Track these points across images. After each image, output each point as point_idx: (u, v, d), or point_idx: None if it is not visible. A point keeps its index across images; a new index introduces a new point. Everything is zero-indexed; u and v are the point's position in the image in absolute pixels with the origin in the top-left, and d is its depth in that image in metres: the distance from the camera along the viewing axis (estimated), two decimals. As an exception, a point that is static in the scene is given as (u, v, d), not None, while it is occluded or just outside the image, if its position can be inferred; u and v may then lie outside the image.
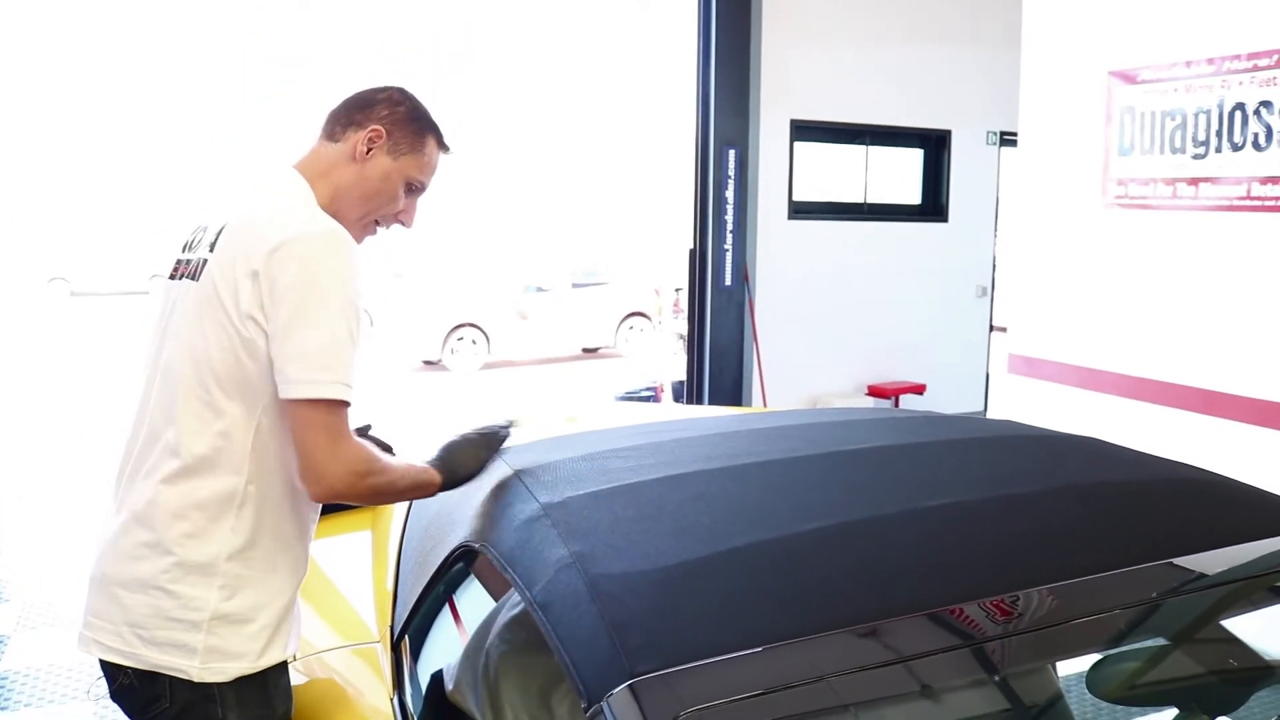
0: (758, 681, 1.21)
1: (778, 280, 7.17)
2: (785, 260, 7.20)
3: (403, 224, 1.90)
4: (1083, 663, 1.69)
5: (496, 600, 1.73)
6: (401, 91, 1.88)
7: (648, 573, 1.39)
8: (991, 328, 8.31)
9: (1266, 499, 1.75)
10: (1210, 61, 3.86)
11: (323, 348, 1.57)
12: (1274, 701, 1.72)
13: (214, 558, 1.63)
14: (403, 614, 1.97)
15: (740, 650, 1.23)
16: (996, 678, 1.56)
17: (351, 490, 1.62)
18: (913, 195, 8.02)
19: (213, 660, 1.63)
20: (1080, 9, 4.49)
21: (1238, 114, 3.78)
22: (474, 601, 1.83)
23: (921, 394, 7.71)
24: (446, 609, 1.91)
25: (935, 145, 7.92)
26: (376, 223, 1.87)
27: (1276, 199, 3.66)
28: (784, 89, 7.03)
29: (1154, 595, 1.46)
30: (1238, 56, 3.76)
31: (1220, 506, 1.72)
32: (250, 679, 1.67)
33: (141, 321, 1.86)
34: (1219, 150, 3.86)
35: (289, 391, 1.58)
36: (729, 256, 6.91)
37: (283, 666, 1.74)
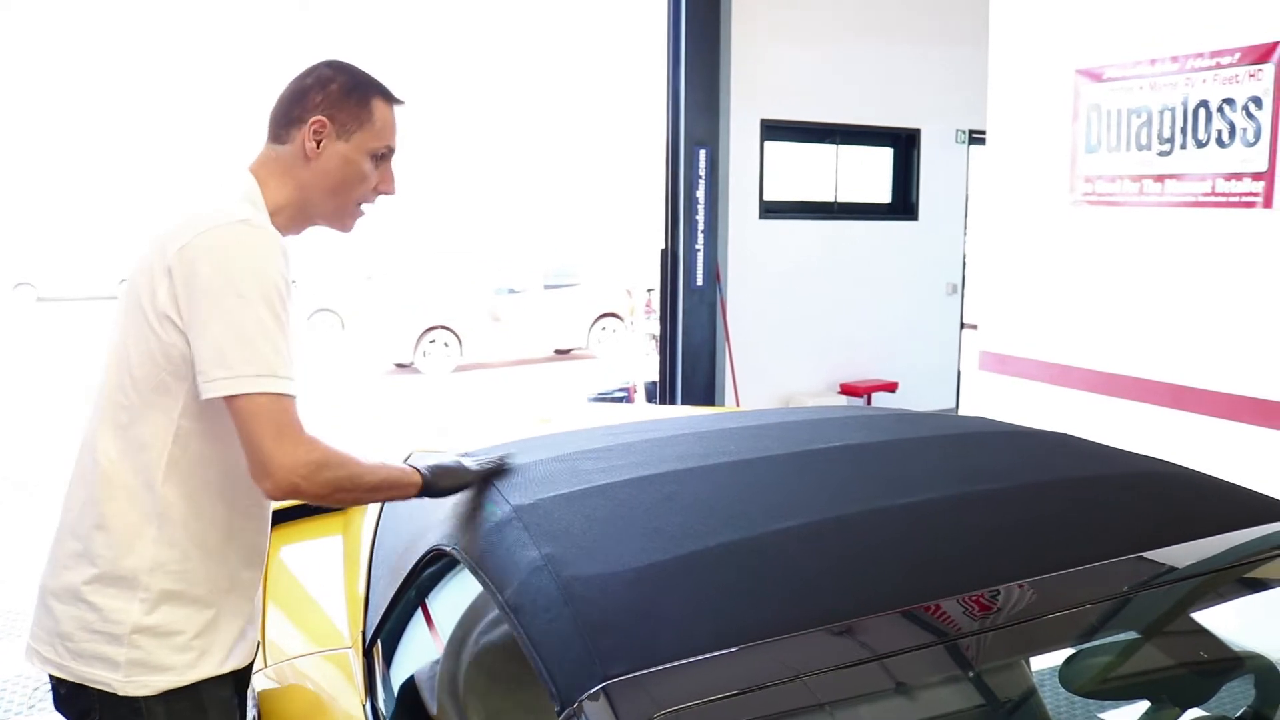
0: (732, 682, 1.20)
1: (749, 280, 7.18)
2: (757, 260, 7.21)
3: (385, 193, 1.84)
4: (1056, 657, 1.69)
5: (469, 604, 1.72)
6: (329, 65, 1.80)
7: (620, 574, 1.38)
8: (962, 325, 8.35)
9: (1234, 492, 1.76)
10: (1174, 59, 3.89)
11: (244, 341, 1.51)
12: (1243, 692, 1.73)
13: (134, 570, 1.59)
14: (375, 619, 1.95)
15: (714, 650, 1.23)
16: (971, 674, 1.56)
17: (309, 484, 1.54)
18: (883, 194, 8.05)
19: (136, 673, 1.59)
20: (1047, 7, 4.52)
21: (1201, 111, 3.82)
22: (446, 605, 1.82)
23: (893, 392, 7.74)
24: (419, 613, 1.90)
25: (905, 144, 7.95)
26: (359, 204, 1.82)
27: (1240, 195, 3.70)
28: (754, 89, 7.04)
29: (1125, 589, 1.47)
30: (1201, 54, 3.80)
31: (1190, 500, 1.73)
32: (181, 692, 1.61)
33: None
34: (1184, 147, 3.89)
35: (213, 390, 1.52)
36: (700, 256, 6.91)
37: (223, 680, 1.67)
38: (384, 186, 1.83)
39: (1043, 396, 4.51)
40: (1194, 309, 3.91)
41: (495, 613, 1.42)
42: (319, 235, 1.89)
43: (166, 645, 1.60)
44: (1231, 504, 1.71)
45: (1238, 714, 1.73)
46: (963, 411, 8.00)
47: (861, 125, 7.66)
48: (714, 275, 7.00)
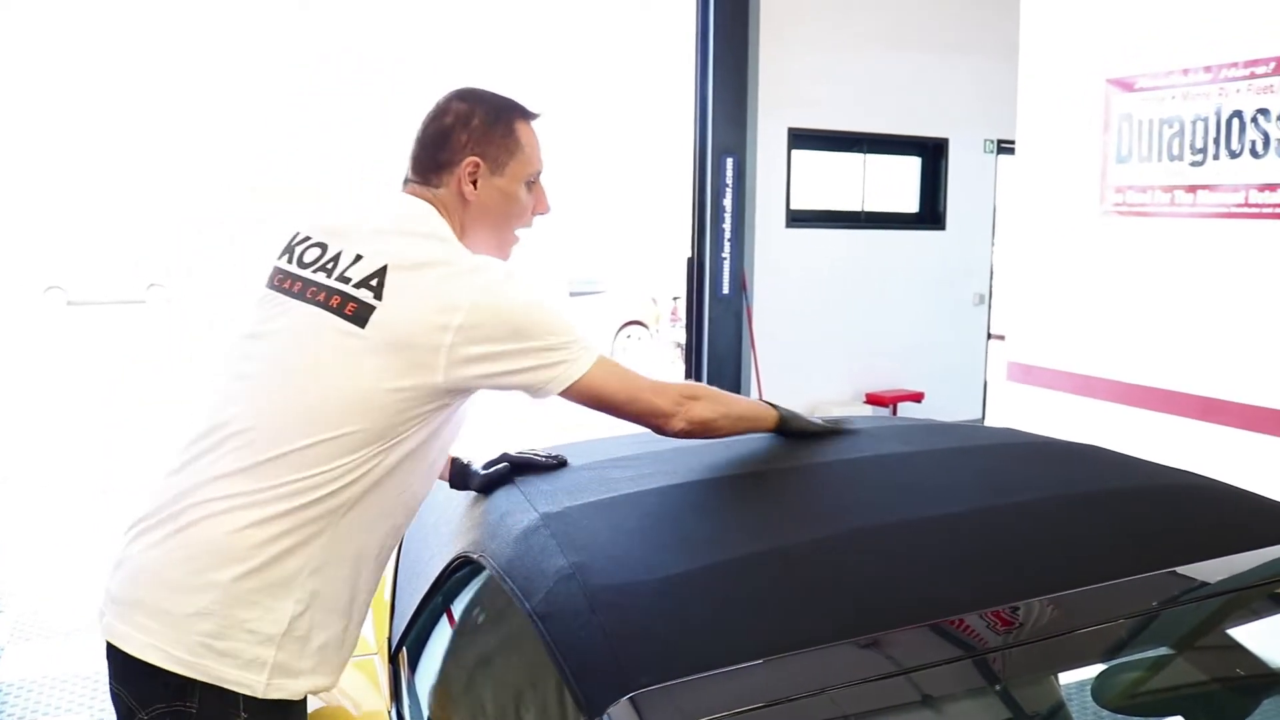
0: (759, 694, 1.19)
1: (776, 288, 7.16)
2: (783, 268, 7.20)
3: (541, 214, 1.83)
4: (1088, 672, 1.68)
5: (495, 611, 1.72)
6: (463, 99, 1.75)
7: (648, 583, 1.38)
8: (989, 335, 8.31)
9: (1268, 505, 1.74)
10: (1207, 69, 3.86)
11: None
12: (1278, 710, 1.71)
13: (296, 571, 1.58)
14: (400, 625, 1.95)
15: (742, 662, 1.22)
16: (998, 688, 1.55)
17: (684, 414, 1.70)
18: (910, 203, 8.02)
19: (278, 677, 1.57)
20: (1078, 17, 4.49)
21: (1235, 121, 3.78)
22: (472, 613, 1.82)
23: (919, 402, 7.70)
24: (444, 620, 1.90)
25: (933, 153, 7.92)
26: (516, 231, 1.82)
27: (1274, 206, 3.66)
28: (782, 97, 7.03)
29: (1160, 604, 1.45)
30: (1235, 64, 3.76)
31: (1225, 513, 1.71)
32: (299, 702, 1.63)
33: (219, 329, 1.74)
34: (1217, 157, 3.86)
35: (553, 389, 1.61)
36: (727, 265, 6.90)
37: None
38: (540, 209, 1.82)
39: (1071, 408, 4.47)
40: (1225, 321, 3.86)
41: (522, 620, 1.41)
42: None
43: (306, 650, 1.59)
44: (1266, 518, 1.69)
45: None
46: (989, 422, 7.95)
47: (889, 134, 7.64)
48: (740, 284, 6.99)
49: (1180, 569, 1.50)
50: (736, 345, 7.03)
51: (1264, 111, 3.67)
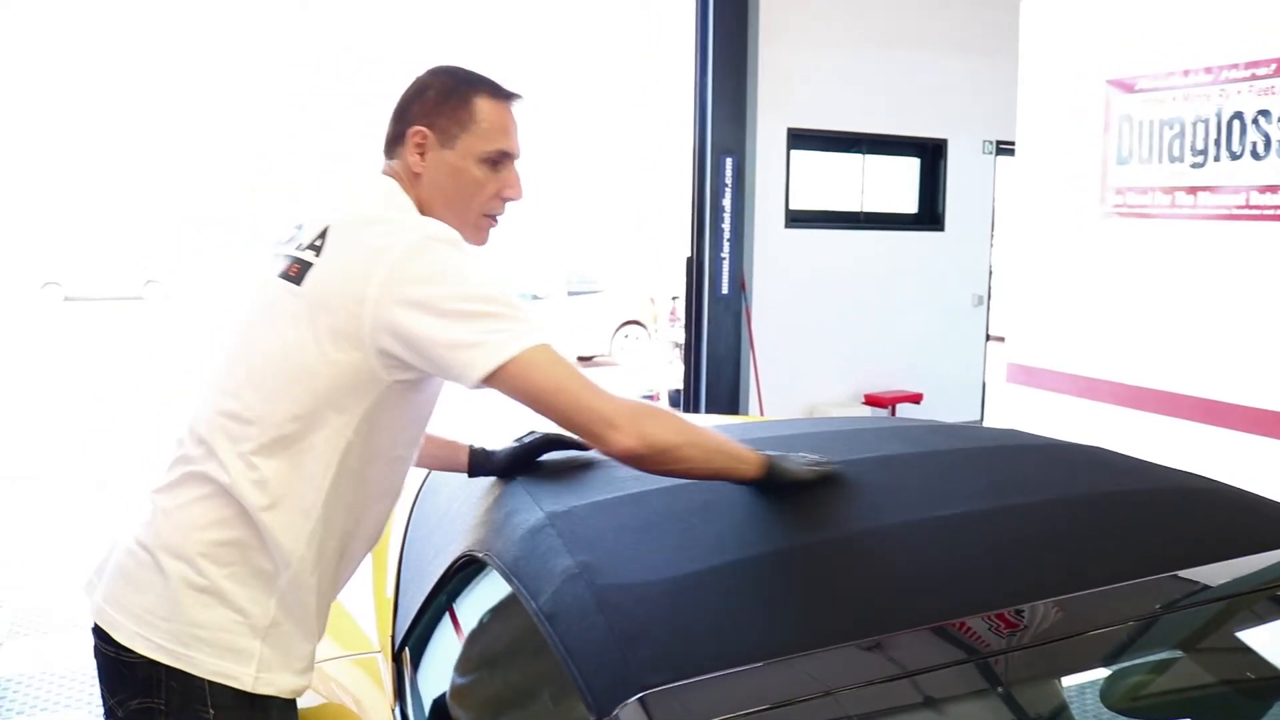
0: (765, 695, 1.19)
1: (774, 289, 7.17)
2: (782, 269, 7.20)
3: (510, 199, 1.72)
4: (1094, 675, 1.68)
5: (500, 610, 1.71)
6: (429, 72, 1.71)
7: (655, 583, 1.37)
8: (988, 337, 8.31)
9: (1274, 508, 1.74)
10: (1208, 70, 3.86)
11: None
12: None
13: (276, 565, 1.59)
14: (404, 624, 1.95)
15: (749, 663, 1.22)
16: (1002, 691, 1.55)
17: (638, 430, 1.46)
18: (909, 204, 8.03)
19: (266, 671, 1.58)
20: (1078, 18, 4.49)
21: (1236, 123, 3.78)
22: (477, 612, 1.81)
23: (918, 403, 7.70)
24: (448, 619, 1.89)
25: (932, 154, 7.92)
26: (484, 214, 1.71)
27: (1275, 207, 3.66)
28: (781, 97, 7.04)
29: (1166, 607, 1.45)
30: (1236, 65, 3.76)
31: (1230, 516, 1.71)
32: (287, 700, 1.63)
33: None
34: (1217, 159, 3.85)
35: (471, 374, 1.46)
36: (726, 265, 6.90)
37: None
38: (507, 192, 1.71)
39: (1071, 410, 4.47)
40: (1227, 322, 3.86)
41: (528, 620, 1.41)
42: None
43: (291, 645, 1.59)
44: (1273, 521, 1.69)
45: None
46: (988, 424, 7.95)
47: (888, 135, 7.65)
48: (739, 284, 6.99)
49: (1186, 572, 1.49)
50: (735, 346, 7.03)
51: (1265, 113, 3.67)
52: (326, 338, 1.50)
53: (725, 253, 6.88)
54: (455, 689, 1.73)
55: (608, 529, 1.54)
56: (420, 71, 1.74)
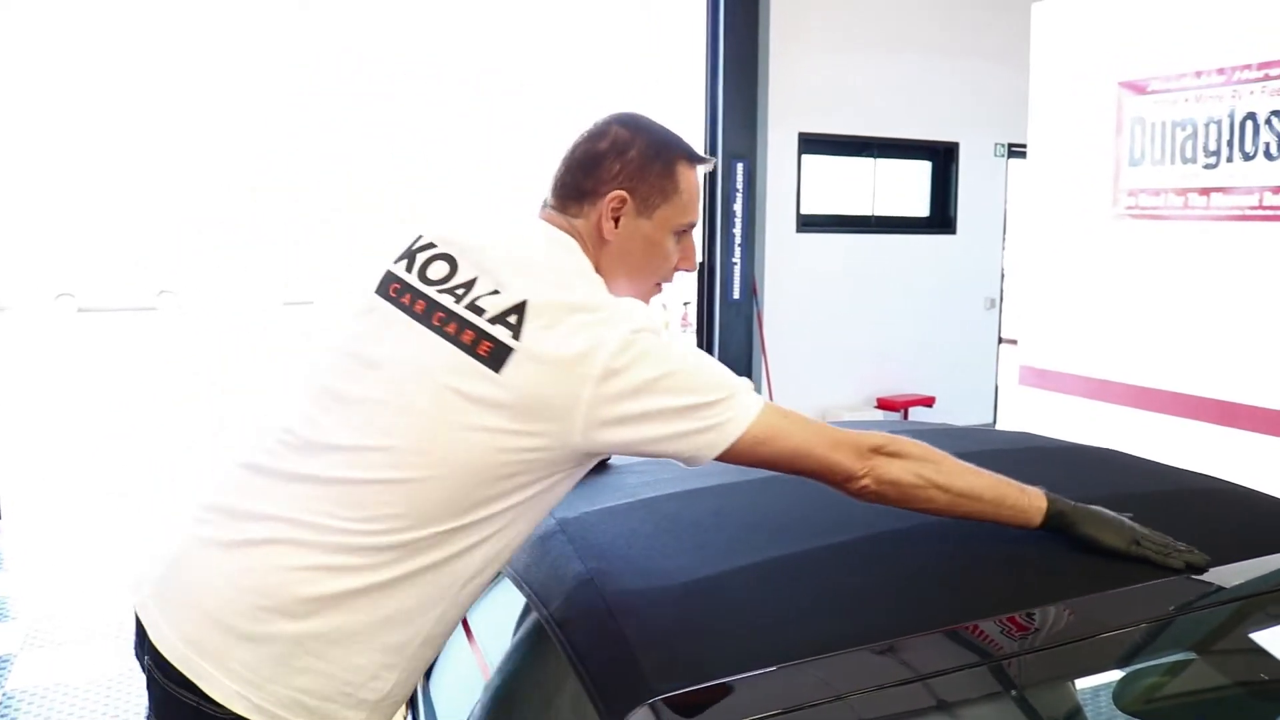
0: (777, 700, 1.19)
1: (786, 293, 7.17)
2: (793, 273, 7.20)
3: (685, 270, 1.63)
4: (1108, 677, 1.67)
5: (511, 617, 1.71)
6: (624, 125, 1.56)
7: (667, 589, 1.37)
8: (1000, 340, 8.29)
9: (1290, 510, 1.73)
10: (1220, 71, 3.84)
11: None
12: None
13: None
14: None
15: (760, 668, 1.21)
16: (1015, 694, 1.54)
17: (871, 473, 1.42)
18: (921, 207, 8.01)
19: None
20: (1089, 20, 4.48)
21: (1249, 124, 3.77)
22: (486, 619, 1.81)
23: (930, 406, 7.69)
24: (459, 627, 1.89)
25: (943, 157, 7.91)
26: (657, 283, 1.62)
27: (1289, 208, 3.65)
28: (792, 102, 7.04)
29: (1181, 608, 1.44)
30: (1248, 66, 3.75)
31: (1246, 517, 1.70)
32: None
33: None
34: (1230, 160, 3.84)
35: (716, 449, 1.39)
36: (737, 270, 6.91)
37: None
38: (685, 264, 1.61)
39: (1084, 412, 4.45)
40: (1241, 323, 3.85)
41: (538, 626, 1.41)
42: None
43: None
44: (1287, 523, 1.68)
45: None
46: (1001, 427, 7.92)
47: (899, 139, 7.64)
48: (751, 288, 6.99)
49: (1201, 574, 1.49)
50: (747, 350, 7.03)
51: (1278, 113, 3.66)
52: (518, 429, 1.35)
53: (736, 258, 6.89)
54: (467, 698, 1.73)
55: (619, 535, 1.54)
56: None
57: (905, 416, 7.50)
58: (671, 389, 1.35)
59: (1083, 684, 1.83)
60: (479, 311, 1.40)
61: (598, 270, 1.51)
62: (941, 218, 7.98)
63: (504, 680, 1.68)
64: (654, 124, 1.58)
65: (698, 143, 6.86)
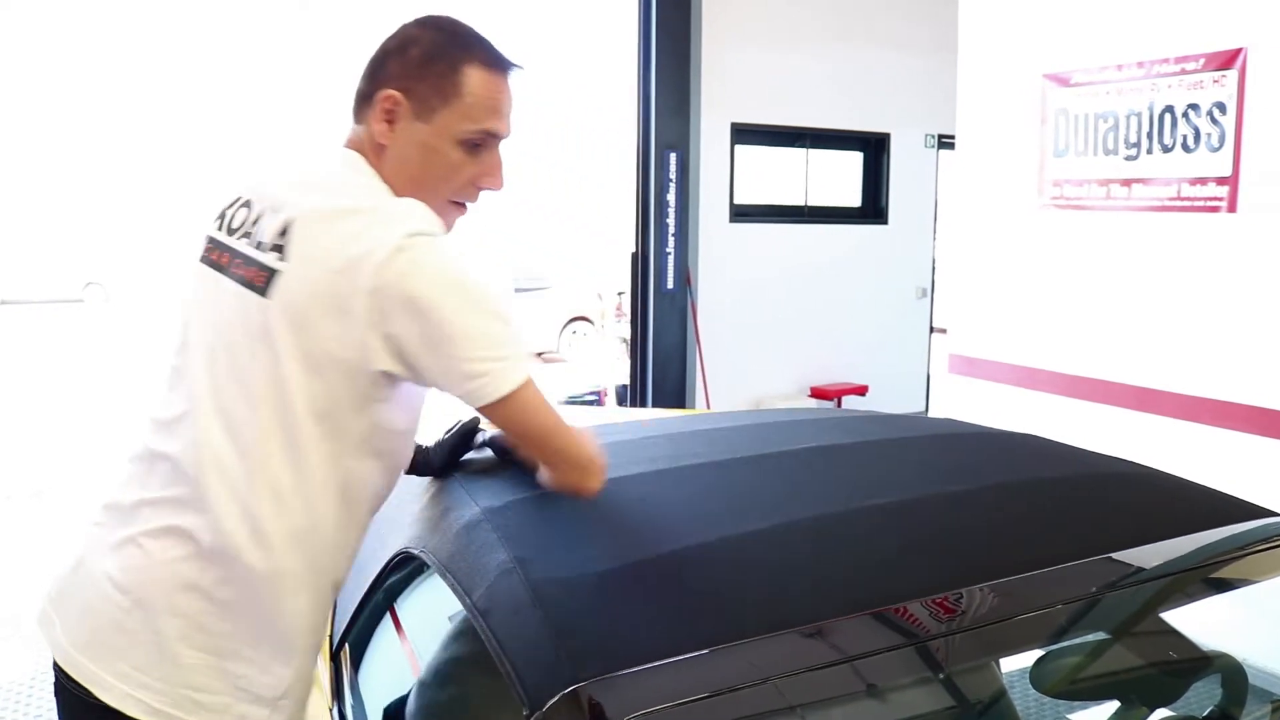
0: (703, 684, 1.19)
1: (720, 283, 7.18)
2: (727, 263, 7.22)
3: (488, 188, 1.50)
4: (1026, 658, 1.70)
5: (436, 607, 1.70)
6: (419, 23, 1.45)
7: (590, 576, 1.37)
8: (931, 329, 8.40)
9: (1201, 493, 1.77)
10: (1140, 65, 3.92)
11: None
12: (1210, 692, 1.75)
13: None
14: (342, 622, 1.93)
15: (685, 653, 1.22)
16: (941, 675, 1.56)
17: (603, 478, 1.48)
18: (853, 198, 8.08)
19: None
20: (1015, 13, 4.55)
21: (1167, 116, 3.85)
22: (414, 609, 1.80)
23: (863, 395, 7.77)
24: (387, 617, 1.88)
25: (874, 148, 7.99)
26: (453, 200, 1.48)
27: (1205, 199, 3.73)
28: (724, 92, 7.05)
29: (1094, 590, 1.47)
30: (1166, 60, 3.83)
31: (1157, 501, 1.74)
32: None
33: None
34: (1150, 152, 3.92)
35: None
36: (671, 260, 6.91)
37: None
38: (485, 181, 1.49)
39: (1011, 399, 4.53)
40: (1159, 312, 3.94)
41: (464, 616, 1.40)
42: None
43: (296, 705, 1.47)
44: (1198, 504, 1.72)
45: (1205, 714, 1.74)
46: (932, 414, 8.03)
47: (831, 129, 7.69)
48: (684, 279, 7.00)
49: (1116, 555, 1.52)
50: (681, 340, 7.04)
51: (1194, 107, 3.74)
52: (304, 361, 1.32)
53: (670, 248, 6.89)
54: (394, 687, 1.71)
55: (544, 523, 1.54)
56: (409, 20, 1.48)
57: (839, 405, 7.57)
58: (456, 304, 1.30)
59: (1007, 666, 1.87)
60: (258, 245, 1.37)
61: (383, 176, 1.43)
62: (873, 208, 8.06)
63: (431, 671, 1.67)
64: (458, 25, 1.47)
65: (630, 132, 6.85)
